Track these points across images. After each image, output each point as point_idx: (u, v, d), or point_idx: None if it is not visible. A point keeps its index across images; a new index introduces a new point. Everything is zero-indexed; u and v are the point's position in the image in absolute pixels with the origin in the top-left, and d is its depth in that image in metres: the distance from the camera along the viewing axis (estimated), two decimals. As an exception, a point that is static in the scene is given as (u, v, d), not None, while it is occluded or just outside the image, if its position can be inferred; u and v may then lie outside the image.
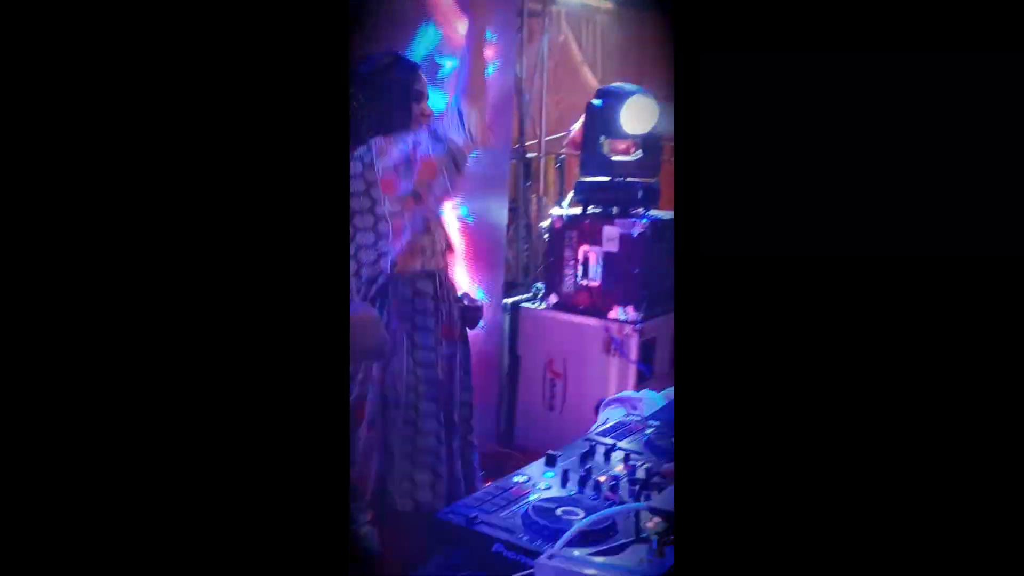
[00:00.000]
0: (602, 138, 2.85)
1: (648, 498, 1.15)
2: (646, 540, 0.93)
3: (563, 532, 1.03)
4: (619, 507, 1.15)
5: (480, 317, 2.11)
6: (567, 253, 2.86)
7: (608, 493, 1.27)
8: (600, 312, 2.77)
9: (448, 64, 2.59)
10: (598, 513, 1.13)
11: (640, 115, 2.79)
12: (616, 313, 2.78)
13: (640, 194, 2.89)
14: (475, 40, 1.93)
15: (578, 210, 2.94)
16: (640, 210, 2.91)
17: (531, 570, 0.98)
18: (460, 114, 1.88)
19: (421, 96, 2.05)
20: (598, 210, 2.90)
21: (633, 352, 2.70)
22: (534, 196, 3.89)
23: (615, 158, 2.92)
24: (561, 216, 2.92)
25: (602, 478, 1.32)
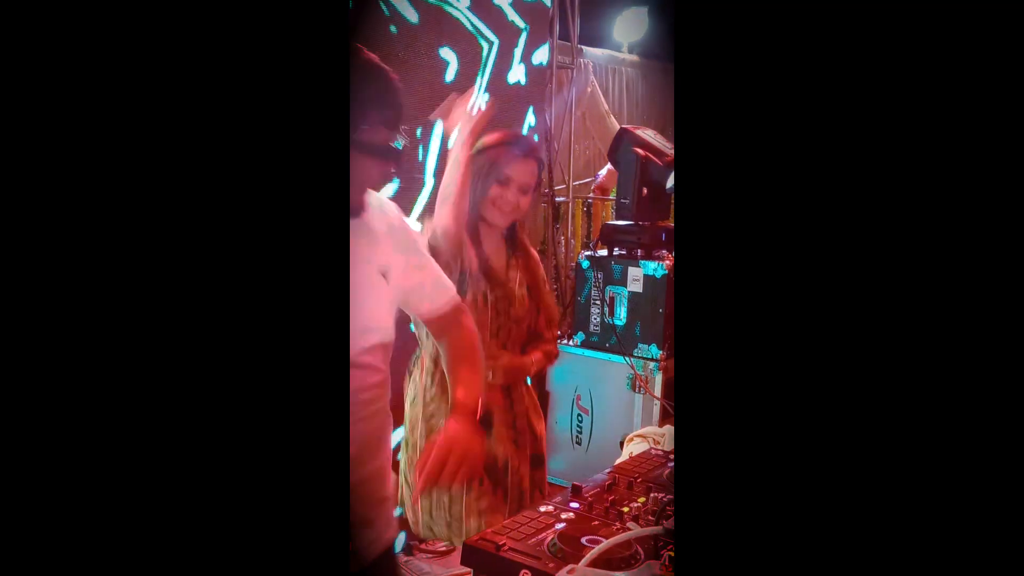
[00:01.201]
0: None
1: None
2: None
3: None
4: (638, 531, 1.18)
5: None
6: (594, 293, 2.91)
7: (630, 523, 1.30)
8: (626, 350, 2.80)
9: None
10: (620, 536, 1.17)
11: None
12: (641, 351, 2.81)
13: (663, 236, 2.94)
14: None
15: (604, 252, 2.99)
16: (664, 252, 2.96)
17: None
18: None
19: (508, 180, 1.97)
20: (624, 252, 2.95)
21: (657, 389, 2.72)
22: (562, 238, 3.96)
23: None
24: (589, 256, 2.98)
25: (625, 508, 1.36)
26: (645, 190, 2.92)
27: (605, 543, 1.15)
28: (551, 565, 1.16)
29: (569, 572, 0.96)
